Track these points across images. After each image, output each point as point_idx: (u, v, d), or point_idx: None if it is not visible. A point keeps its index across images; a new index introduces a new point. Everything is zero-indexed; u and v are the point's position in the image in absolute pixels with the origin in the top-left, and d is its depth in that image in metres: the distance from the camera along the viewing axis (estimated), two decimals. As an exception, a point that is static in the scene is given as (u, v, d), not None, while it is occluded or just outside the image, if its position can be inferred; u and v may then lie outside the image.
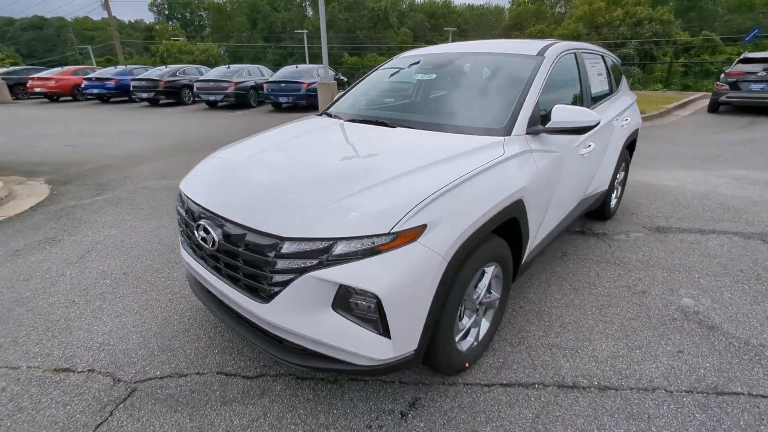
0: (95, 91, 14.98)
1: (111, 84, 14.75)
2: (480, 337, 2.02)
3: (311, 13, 61.89)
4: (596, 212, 3.71)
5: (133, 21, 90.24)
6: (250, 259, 1.55)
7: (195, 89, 13.29)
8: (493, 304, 2.07)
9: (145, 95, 14.00)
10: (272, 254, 1.47)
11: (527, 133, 2.08)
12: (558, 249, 3.29)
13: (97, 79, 15.01)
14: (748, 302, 2.54)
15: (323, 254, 1.43)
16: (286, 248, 1.45)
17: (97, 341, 2.20)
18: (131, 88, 14.16)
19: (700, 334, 2.25)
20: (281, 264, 1.47)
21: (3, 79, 16.18)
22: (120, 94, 14.98)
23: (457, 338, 1.82)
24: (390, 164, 1.77)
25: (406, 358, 1.56)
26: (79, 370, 2.00)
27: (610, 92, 3.40)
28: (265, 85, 12.70)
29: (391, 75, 2.93)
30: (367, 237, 1.42)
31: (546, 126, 2.08)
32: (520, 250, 2.11)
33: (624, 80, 3.83)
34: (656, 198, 4.46)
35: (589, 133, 2.59)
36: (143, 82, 13.87)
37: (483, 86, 2.49)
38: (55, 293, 2.68)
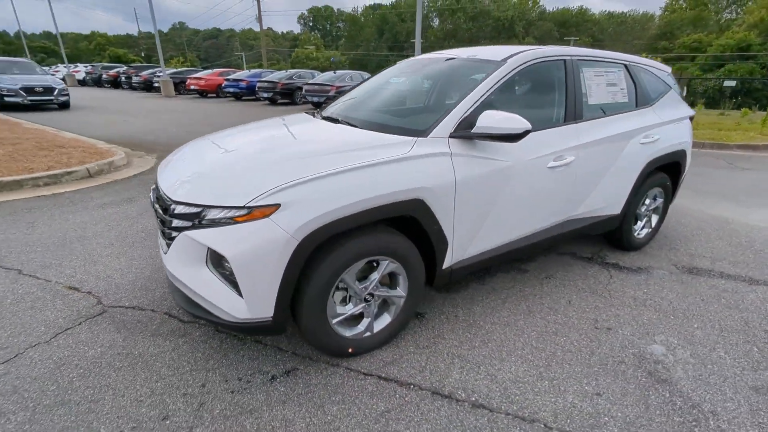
0: (231, 90, 17.83)
1: (243, 84, 17.39)
2: (375, 330, 2.08)
3: (437, 22, 63.17)
4: (615, 240, 3.31)
5: (284, 32, 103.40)
6: (161, 218, 1.93)
7: (303, 91, 14.90)
8: (395, 301, 2.11)
9: (266, 95, 16.17)
10: (168, 214, 1.82)
11: (452, 137, 2.07)
12: (544, 270, 3.04)
13: (234, 80, 17.86)
14: (740, 366, 2.07)
15: (196, 218, 1.72)
16: (174, 209, 1.78)
17: (106, 274, 2.85)
18: (256, 89, 16.49)
19: (642, 384, 1.94)
20: (174, 222, 1.80)
21: (171, 77, 20.34)
22: (249, 93, 17.51)
23: (334, 321, 1.93)
24: (290, 152, 1.98)
25: (263, 322, 1.76)
26: (82, 290, 2.63)
27: (633, 105, 3.00)
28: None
29: (382, 79, 3.07)
30: (227, 208, 1.66)
31: (471, 131, 2.04)
32: (433, 253, 2.11)
33: (672, 95, 3.31)
34: (721, 236, 3.72)
35: (562, 145, 2.42)
36: (266, 84, 16.04)
37: (435, 90, 2.50)
38: (105, 237, 3.48)
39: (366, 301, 2.02)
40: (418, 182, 1.91)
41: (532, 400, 1.83)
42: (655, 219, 3.48)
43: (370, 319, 2.06)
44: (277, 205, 1.65)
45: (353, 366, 2.03)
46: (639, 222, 3.38)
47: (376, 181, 1.82)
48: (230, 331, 2.20)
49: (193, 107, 15.22)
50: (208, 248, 1.72)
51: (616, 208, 3.00)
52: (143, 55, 79.48)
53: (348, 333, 2.01)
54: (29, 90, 11.51)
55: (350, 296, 1.99)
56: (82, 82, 28.55)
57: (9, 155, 5.53)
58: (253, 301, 1.71)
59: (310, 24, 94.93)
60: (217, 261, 1.75)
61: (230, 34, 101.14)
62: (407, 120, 2.23)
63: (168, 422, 1.67)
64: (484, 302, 2.61)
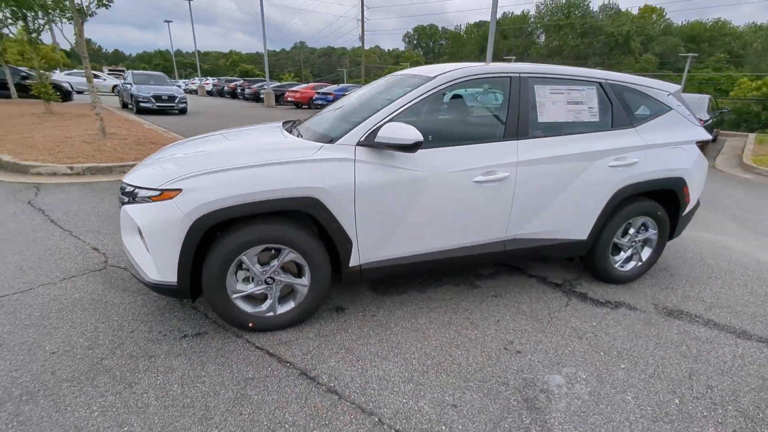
0: (320, 102, 19.47)
1: (330, 97, 18.87)
2: (277, 312, 2.34)
3: (543, 39, 60.57)
4: (591, 268, 3.08)
5: (390, 49, 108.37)
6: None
7: None
8: (299, 289, 2.34)
9: None
10: (121, 193, 2.32)
11: (359, 145, 2.24)
12: (497, 289, 2.96)
13: (323, 93, 19.50)
14: (640, 414, 1.86)
15: (131, 196, 2.18)
16: (122, 188, 2.27)
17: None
18: (341, 101, 17.80)
19: (508, 407, 1.88)
20: (121, 198, 2.28)
21: (273, 90, 22.96)
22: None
23: (234, 296, 2.24)
24: (215, 150, 2.38)
25: (170, 285, 2.14)
26: (100, 251, 3.34)
27: (608, 126, 2.78)
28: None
29: (357, 93, 3.30)
30: (148, 189, 2.09)
31: (374, 140, 2.20)
32: (336, 250, 2.30)
33: (671, 116, 2.95)
34: (745, 283, 3.17)
35: (495, 160, 2.41)
36: (348, 97, 17.26)
37: (371, 103, 2.67)
38: (143, 215, 4.28)
39: (267, 283, 2.29)
40: (314, 182, 2.13)
41: (384, 397, 1.91)
42: (646, 252, 3.12)
43: (273, 301, 2.32)
44: (179, 190, 2.02)
45: (253, 339, 2.30)
46: (622, 253, 3.07)
47: (270, 178, 2.10)
48: (152, 291, 2.57)
49: (282, 115, 16.99)
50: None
51: (580, 233, 2.81)
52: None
53: (250, 309, 2.30)
54: (157, 98, 14.08)
55: (252, 277, 2.27)
56: (209, 93, 33.55)
57: (113, 147, 6.97)
58: (161, 267, 2.10)
59: (414, 42, 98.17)
60: (140, 231, 2.19)
61: (342, 52, 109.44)
62: (337, 130, 2.45)
63: (90, 351, 2.13)
64: (409, 308, 2.68)
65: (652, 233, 3.06)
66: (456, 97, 2.94)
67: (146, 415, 1.75)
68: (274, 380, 1.99)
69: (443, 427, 1.75)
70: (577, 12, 50.14)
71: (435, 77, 2.45)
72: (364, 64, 41.98)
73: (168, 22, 38.89)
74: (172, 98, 14.29)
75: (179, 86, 16.23)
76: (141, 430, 1.67)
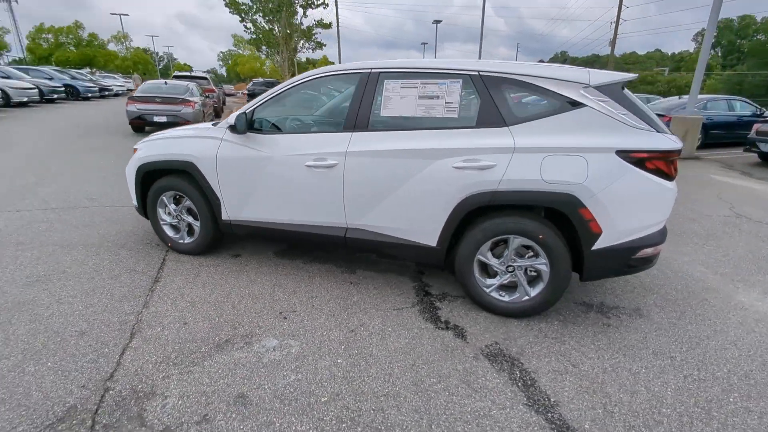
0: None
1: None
2: (185, 240, 3.39)
3: None
4: (462, 287, 2.76)
5: (677, 51, 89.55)
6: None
7: None
8: (194, 226, 3.31)
9: None
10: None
11: (228, 128, 2.99)
12: (366, 281, 3.06)
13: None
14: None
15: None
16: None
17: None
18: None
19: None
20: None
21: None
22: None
23: (162, 223, 3.41)
24: (171, 131, 3.57)
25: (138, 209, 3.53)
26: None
27: (472, 123, 2.42)
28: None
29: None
30: (134, 147, 3.52)
31: (230, 125, 2.90)
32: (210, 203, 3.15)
33: (579, 115, 2.21)
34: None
35: (326, 149, 2.71)
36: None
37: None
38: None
39: (178, 220, 3.37)
40: (193, 152, 3.08)
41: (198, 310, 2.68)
42: (538, 287, 2.48)
43: (183, 233, 3.39)
44: (136, 149, 3.36)
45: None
46: (498, 277, 2.56)
47: (170, 148, 3.18)
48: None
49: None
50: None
51: (429, 238, 2.61)
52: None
53: (171, 234, 3.44)
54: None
55: (170, 213, 3.39)
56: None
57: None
58: (132, 194, 3.50)
59: (715, 39, 77.05)
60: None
61: (606, 60, 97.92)
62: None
63: (93, 268, 3.76)
64: (266, 274, 3.20)
65: (542, 263, 2.43)
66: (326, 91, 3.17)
67: (80, 267, 3.15)
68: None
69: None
70: None
71: (303, 75, 2.91)
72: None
73: (424, 44, 45.30)
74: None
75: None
76: (69, 271, 3.07)
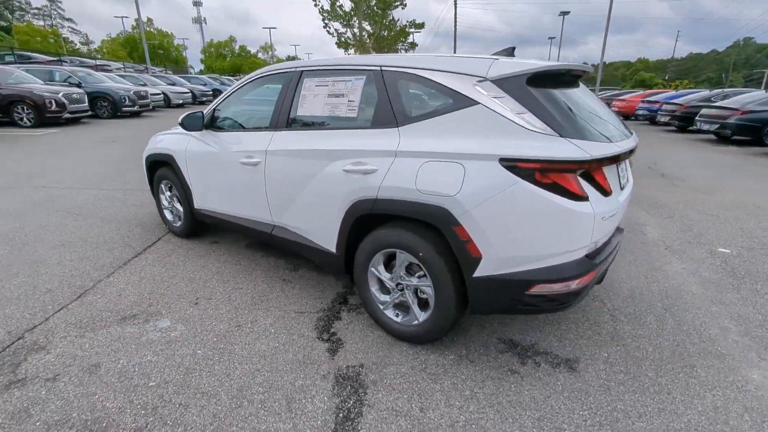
0: (642, 112, 15.97)
1: (656, 107, 15.11)
2: (178, 225, 3.84)
3: None
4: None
5: None
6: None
7: (698, 117, 11.23)
8: (179, 210, 3.73)
9: (707, 126, 12.30)
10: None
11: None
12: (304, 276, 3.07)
13: (650, 101, 15.77)
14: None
15: (159, 145, 4.30)
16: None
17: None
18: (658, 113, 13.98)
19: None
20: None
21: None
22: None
23: (170, 218, 3.93)
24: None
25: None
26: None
27: (368, 123, 2.19)
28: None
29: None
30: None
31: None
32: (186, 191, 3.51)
33: (464, 115, 1.81)
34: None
35: (253, 146, 2.82)
36: (671, 108, 13.29)
37: None
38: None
39: (171, 205, 3.83)
40: (171, 147, 3.48)
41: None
42: (427, 313, 2.15)
43: (174, 216, 3.85)
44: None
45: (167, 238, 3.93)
46: (392, 294, 2.29)
47: (160, 144, 3.62)
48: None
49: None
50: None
51: (329, 243, 2.48)
52: (666, 78, 77.12)
53: (170, 217, 3.93)
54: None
55: (168, 200, 3.88)
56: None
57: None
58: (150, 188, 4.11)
59: None
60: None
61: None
62: None
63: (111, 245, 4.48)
64: (222, 262, 3.42)
65: (428, 284, 2.10)
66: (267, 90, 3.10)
67: (96, 238, 3.85)
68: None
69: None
70: None
71: (250, 75, 3.04)
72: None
73: (551, 38, 41.53)
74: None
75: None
76: (86, 240, 3.78)
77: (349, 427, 1.74)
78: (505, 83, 1.86)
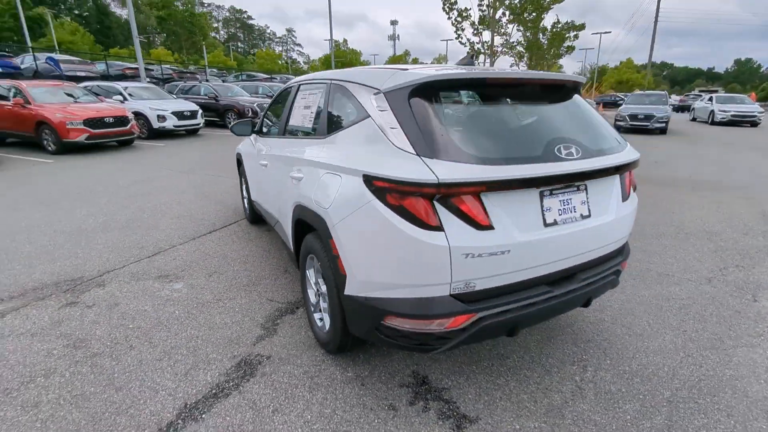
0: None
1: None
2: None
3: None
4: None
5: None
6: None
7: None
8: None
9: None
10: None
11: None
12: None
13: None
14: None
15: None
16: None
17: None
18: None
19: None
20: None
21: None
22: None
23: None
24: None
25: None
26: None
27: (314, 132, 2.30)
28: None
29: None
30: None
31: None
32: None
33: (358, 129, 1.70)
34: None
35: (267, 151, 3.30)
36: None
37: None
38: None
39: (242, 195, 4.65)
40: (240, 147, 4.24)
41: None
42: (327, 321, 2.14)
43: (245, 203, 4.66)
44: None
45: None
46: (322, 302, 2.34)
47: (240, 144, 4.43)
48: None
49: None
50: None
51: (290, 242, 2.71)
52: None
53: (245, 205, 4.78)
54: (634, 116, 14.09)
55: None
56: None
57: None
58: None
59: None
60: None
61: None
62: None
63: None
64: (261, 246, 3.96)
65: (324, 291, 2.11)
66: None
67: (199, 215, 4.99)
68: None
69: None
70: None
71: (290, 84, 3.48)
72: None
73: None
74: (648, 117, 13.76)
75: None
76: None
77: (208, 404, 1.94)
78: (391, 96, 1.74)
